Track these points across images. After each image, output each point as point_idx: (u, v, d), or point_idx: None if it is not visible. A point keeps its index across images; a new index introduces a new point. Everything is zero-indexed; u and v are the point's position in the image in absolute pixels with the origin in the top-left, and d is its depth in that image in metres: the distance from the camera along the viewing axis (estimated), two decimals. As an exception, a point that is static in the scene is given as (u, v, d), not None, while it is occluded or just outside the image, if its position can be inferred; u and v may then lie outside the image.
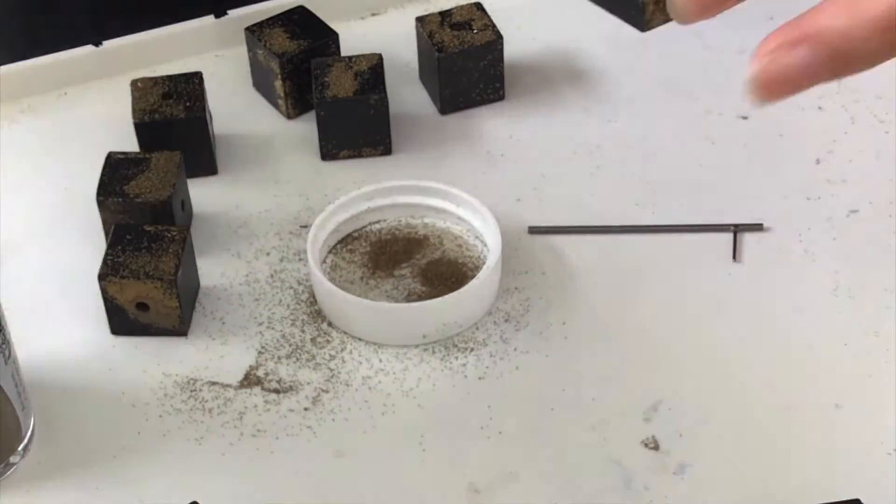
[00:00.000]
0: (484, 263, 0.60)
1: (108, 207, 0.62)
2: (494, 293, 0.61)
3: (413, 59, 0.71)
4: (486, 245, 0.62)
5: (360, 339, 0.60)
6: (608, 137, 0.68)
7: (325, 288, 0.59)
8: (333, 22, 0.70)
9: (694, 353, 0.59)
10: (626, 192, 0.65)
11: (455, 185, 0.63)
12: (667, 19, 0.53)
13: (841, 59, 0.53)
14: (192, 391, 0.58)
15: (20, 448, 0.55)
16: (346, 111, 0.66)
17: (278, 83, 0.69)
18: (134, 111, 0.66)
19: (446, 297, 0.59)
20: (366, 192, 0.63)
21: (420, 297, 0.60)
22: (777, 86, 0.54)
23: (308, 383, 0.58)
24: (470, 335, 0.60)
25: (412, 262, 0.62)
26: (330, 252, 0.63)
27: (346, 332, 0.60)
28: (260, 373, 0.59)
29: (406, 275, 0.62)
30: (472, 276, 0.59)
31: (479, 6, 0.69)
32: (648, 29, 0.53)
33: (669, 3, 0.54)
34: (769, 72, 0.54)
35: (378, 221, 0.64)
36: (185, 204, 0.64)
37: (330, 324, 0.60)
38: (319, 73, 0.66)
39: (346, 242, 0.63)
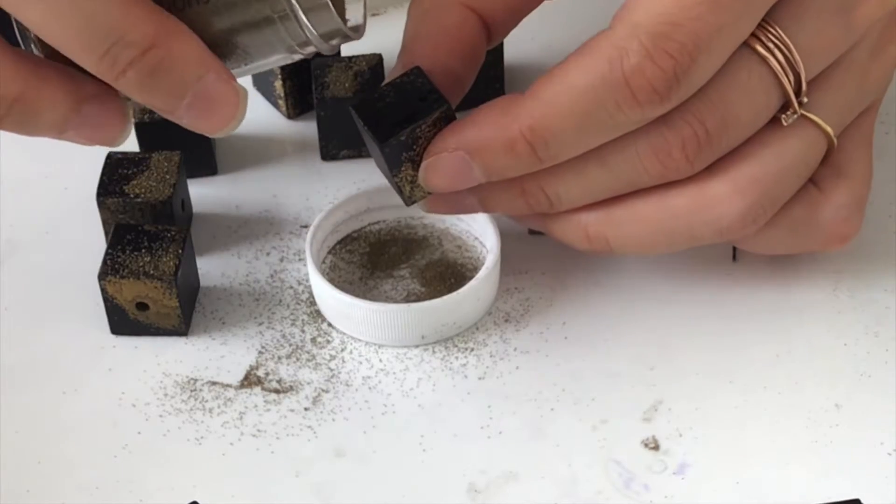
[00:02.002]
0: (483, 264, 0.60)
1: (108, 207, 0.62)
2: (494, 293, 0.61)
3: (413, 59, 0.71)
4: (485, 246, 0.62)
5: (360, 340, 0.60)
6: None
7: (324, 288, 0.59)
8: (333, 22, 0.70)
9: (694, 353, 0.59)
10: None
11: (455, 185, 0.63)
12: (427, 193, 0.56)
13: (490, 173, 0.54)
14: (192, 391, 0.58)
15: None
16: (346, 111, 0.66)
17: (278, 83, 0.69)
18: (134, 111, 0.65)
19: (445, 297, 0.59)
20: (366, 192, 0.63)
21: (419, 298, 0.60)
22: (440, 187, 0.55)
23: (308, 383, 0.58)
24: (470, 335, 0.60)
25: (411, 262, 0.62)
26: (329, 252, 0.63)
27: (345, 333, 0.60)
28: (260, 373, 0.59)
29: (405, 275, 0.62)
30: (472, 277, 0.59)
31: (479, 6, 0.69)
32: (412, 203, 0.57)
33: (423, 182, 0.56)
34: (432, 171, 0.55)
35: (377, 222, 0.64)
36: (185, 204, 0.64)
37: (330, 324, 0.60)
38: (319, 73, 0.66)
39: (345, 243, 0.63)
